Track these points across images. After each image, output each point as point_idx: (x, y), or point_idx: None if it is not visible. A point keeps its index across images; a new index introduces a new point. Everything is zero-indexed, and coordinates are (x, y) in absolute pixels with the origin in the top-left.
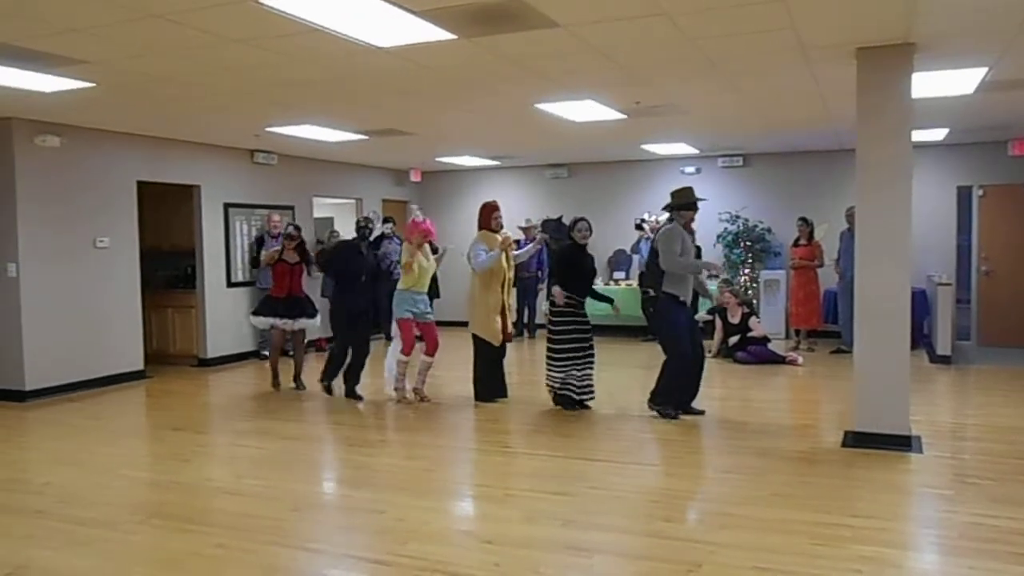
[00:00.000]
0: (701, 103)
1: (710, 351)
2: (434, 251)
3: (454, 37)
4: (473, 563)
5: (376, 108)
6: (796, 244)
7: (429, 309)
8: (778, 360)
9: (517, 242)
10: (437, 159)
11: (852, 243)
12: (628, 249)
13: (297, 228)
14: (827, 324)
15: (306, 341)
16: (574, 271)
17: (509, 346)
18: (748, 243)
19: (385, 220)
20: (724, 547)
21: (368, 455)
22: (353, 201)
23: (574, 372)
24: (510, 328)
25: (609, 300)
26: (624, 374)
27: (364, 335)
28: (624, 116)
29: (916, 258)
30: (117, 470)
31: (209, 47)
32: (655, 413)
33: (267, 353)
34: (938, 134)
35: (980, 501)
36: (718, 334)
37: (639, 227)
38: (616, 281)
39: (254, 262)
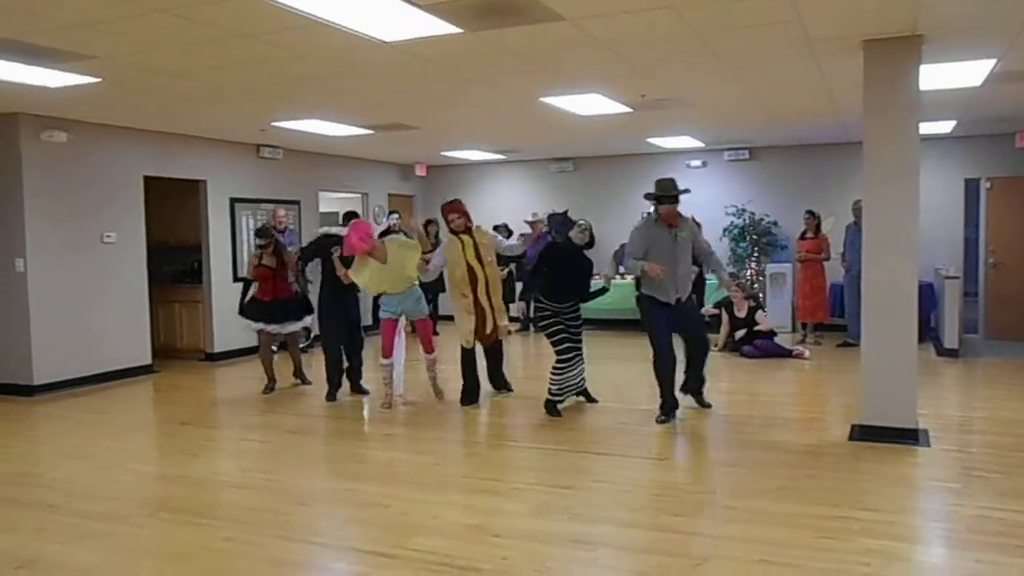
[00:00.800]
0: (707, 96)
1: (716, 345)
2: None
3: (459, 31)
4: (480, 557)
5: (381, 102)
6: (803, 237)
7: (418, 306)
8: (785, 354)
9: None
10: (442, 153)
11: (859, 236)
12: None
13: (267, 230)
14: (834, 317)
15: (310, 338)
16: (557, 274)
17: (515, 340)
18: (754, 236)
19: (391, 212)
20: (730, 540)
21: (374, 449)
22: (359, 195)
23: (571, 372)
24: (503, 324)
25: (603, 291)
26: (631, 368)
27: (356, 330)
28: (629, 109)
29: (923, 251)
30: (125, 464)
31: (215, 42)
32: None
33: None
34: (945, 126)
35: (987, 494)
36: (724, 328)
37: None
38: (622, 275)
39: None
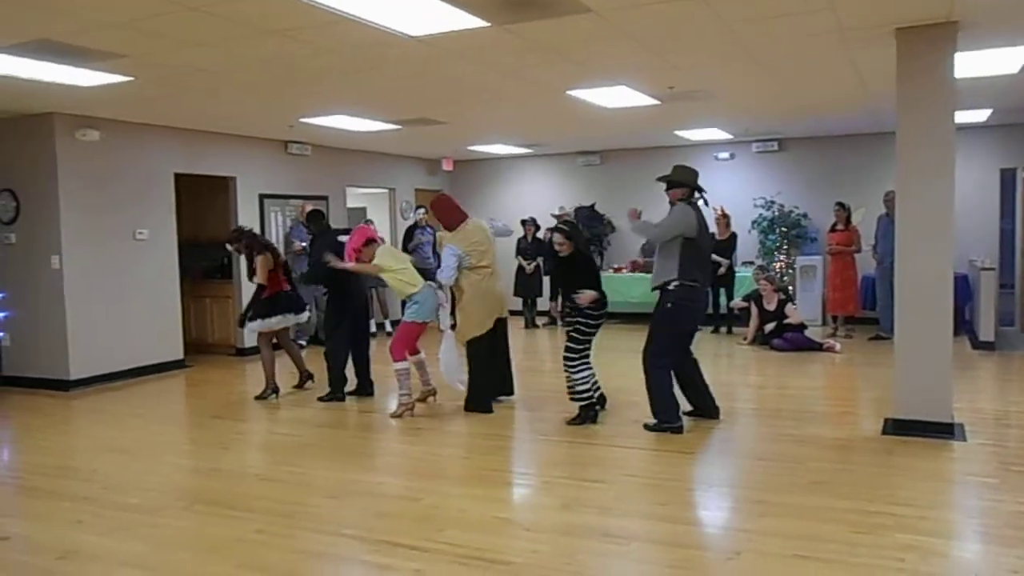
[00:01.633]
0: (736, 88)
1: (745, 338)
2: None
3: (486, 24)
4: (510, 550)
5: (408, 97)
6: (833, 229)
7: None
8: (815, 347)
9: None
10: (469, 148)
11: (890, 228)
12: None
13: (236, 231)
14: (865, 310)
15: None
16: (586, 276)
17: (545, 333)
18: (783, 229)
19: (418, 207)
20: (763, 535)
21: (403, 443)
22: (386, 191)
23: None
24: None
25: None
26: None
27: (364, 328)
28: (657, 102)
29: (958, 242)
30: (160, 457)
31: (244, 39)
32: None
33: (303, 343)
34: (981, 115)
35: None
36: (754, 321)
37: None
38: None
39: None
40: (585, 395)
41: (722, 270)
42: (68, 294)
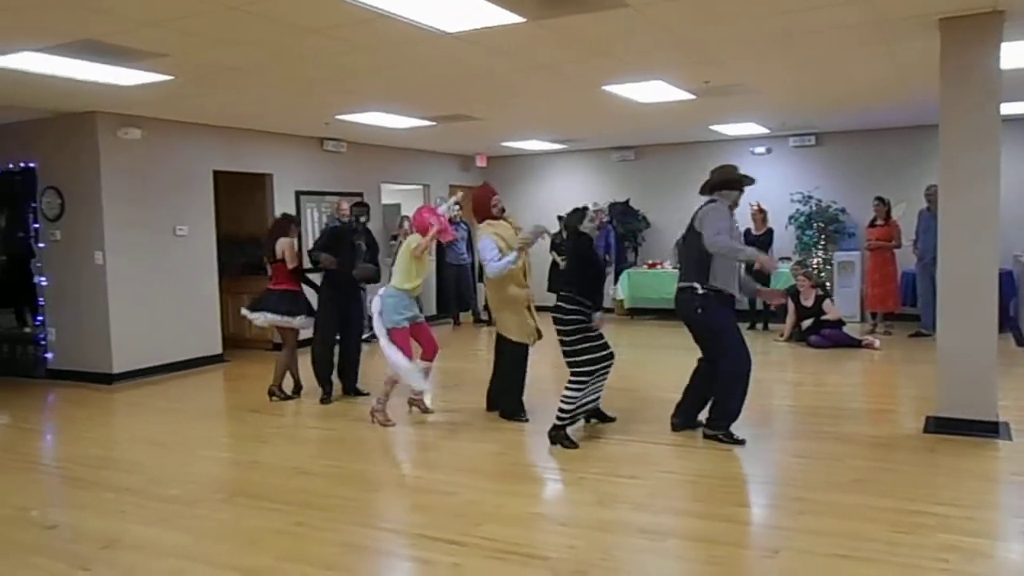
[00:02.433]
0: (773, 81)
1: (782, 335)
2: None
3: (522, 20)
4: (547, 545)
5: (443, 94)
6: (872, 224)
7: (419, 311)
8: (854, 344)
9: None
10: (503, 144)
11: (932, 222)
12: None
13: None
14: (905, 307)
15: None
16: (594, 270)
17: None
18: (821, 224)
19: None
20: (802, 533)
21: (438, 437)
22: (420, 187)
23: (592, 386)
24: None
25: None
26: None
27: (357, 329)
28: (693, 96)
29: (1002, 237)
30: (200, 450)
31: (281, 37)
32: (718, 439)
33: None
34: None
35: None
36: (790, 317)
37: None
38: None
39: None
40: (562, 413)
41: (757, 266)
42: (111, 290)
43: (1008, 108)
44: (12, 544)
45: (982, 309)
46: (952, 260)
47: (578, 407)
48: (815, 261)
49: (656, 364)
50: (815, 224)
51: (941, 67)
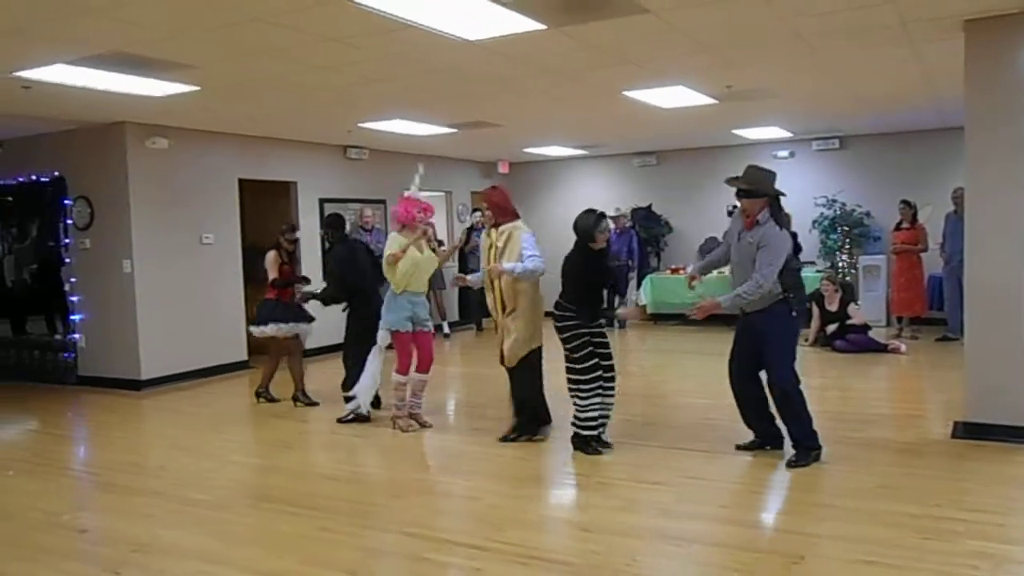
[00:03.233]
0: (795, 85)
1: (806, 339)
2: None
3: (543, 27)
4: (569, 550)
5: (465, 101)
6: (898, 228)
7: (426, 313)
8: (879, 348)
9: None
10: (525, 150)
11: (959, 225)
12: (720, 236)
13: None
14: (931, 311)
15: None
16: (598, 281)
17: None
18: (845, 228)
19: (474, 210)
20: (828, 539)
21: (460, 443)
22: (443, 194)
23: (596, 400)
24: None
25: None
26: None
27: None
28: (715, 101)
29: None
30: (227, 455)
31: (305, 47)
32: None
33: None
34: None
35: None
36: (815, 322)
37: (731, 214)
38: None
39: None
40: (577, 421)
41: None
42: (139, 297)
43: None
44: (44, 549)
45: (1010, 313)
46: (979, 264)
47: (588, 415)
48: (840, 265)
49: (679, 369)
50: (839, 228)
51: (966, 70)
